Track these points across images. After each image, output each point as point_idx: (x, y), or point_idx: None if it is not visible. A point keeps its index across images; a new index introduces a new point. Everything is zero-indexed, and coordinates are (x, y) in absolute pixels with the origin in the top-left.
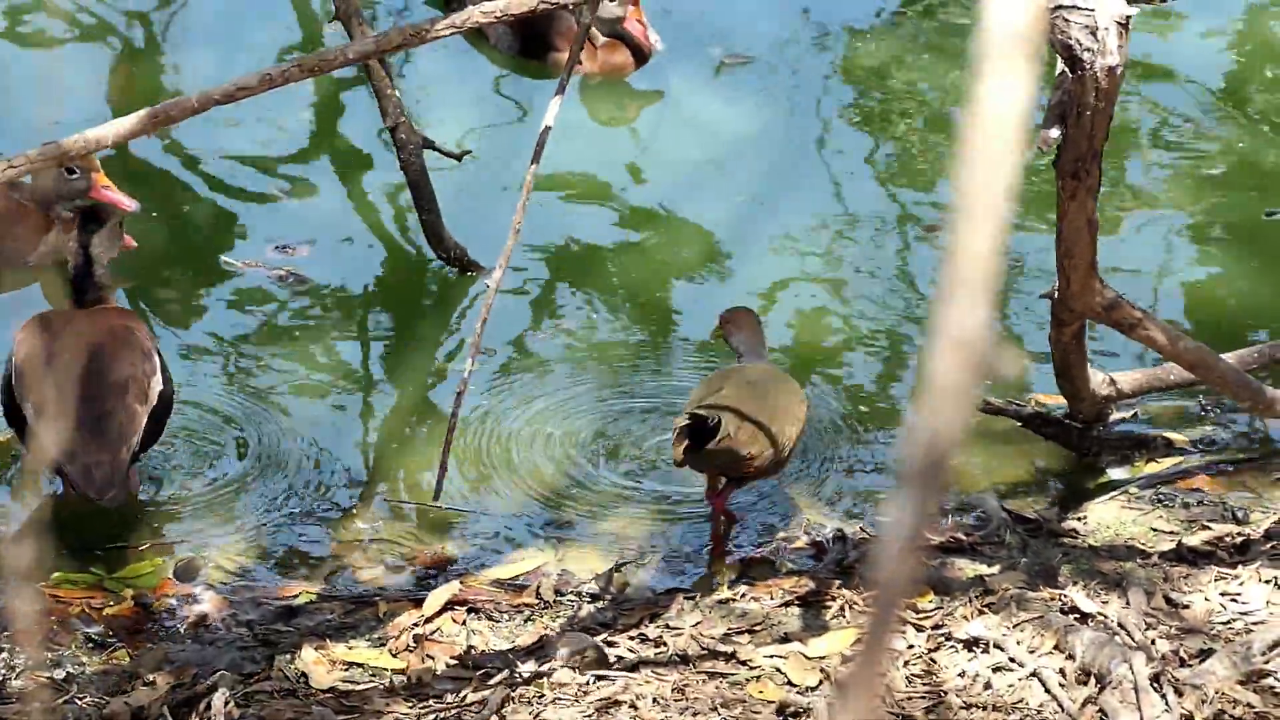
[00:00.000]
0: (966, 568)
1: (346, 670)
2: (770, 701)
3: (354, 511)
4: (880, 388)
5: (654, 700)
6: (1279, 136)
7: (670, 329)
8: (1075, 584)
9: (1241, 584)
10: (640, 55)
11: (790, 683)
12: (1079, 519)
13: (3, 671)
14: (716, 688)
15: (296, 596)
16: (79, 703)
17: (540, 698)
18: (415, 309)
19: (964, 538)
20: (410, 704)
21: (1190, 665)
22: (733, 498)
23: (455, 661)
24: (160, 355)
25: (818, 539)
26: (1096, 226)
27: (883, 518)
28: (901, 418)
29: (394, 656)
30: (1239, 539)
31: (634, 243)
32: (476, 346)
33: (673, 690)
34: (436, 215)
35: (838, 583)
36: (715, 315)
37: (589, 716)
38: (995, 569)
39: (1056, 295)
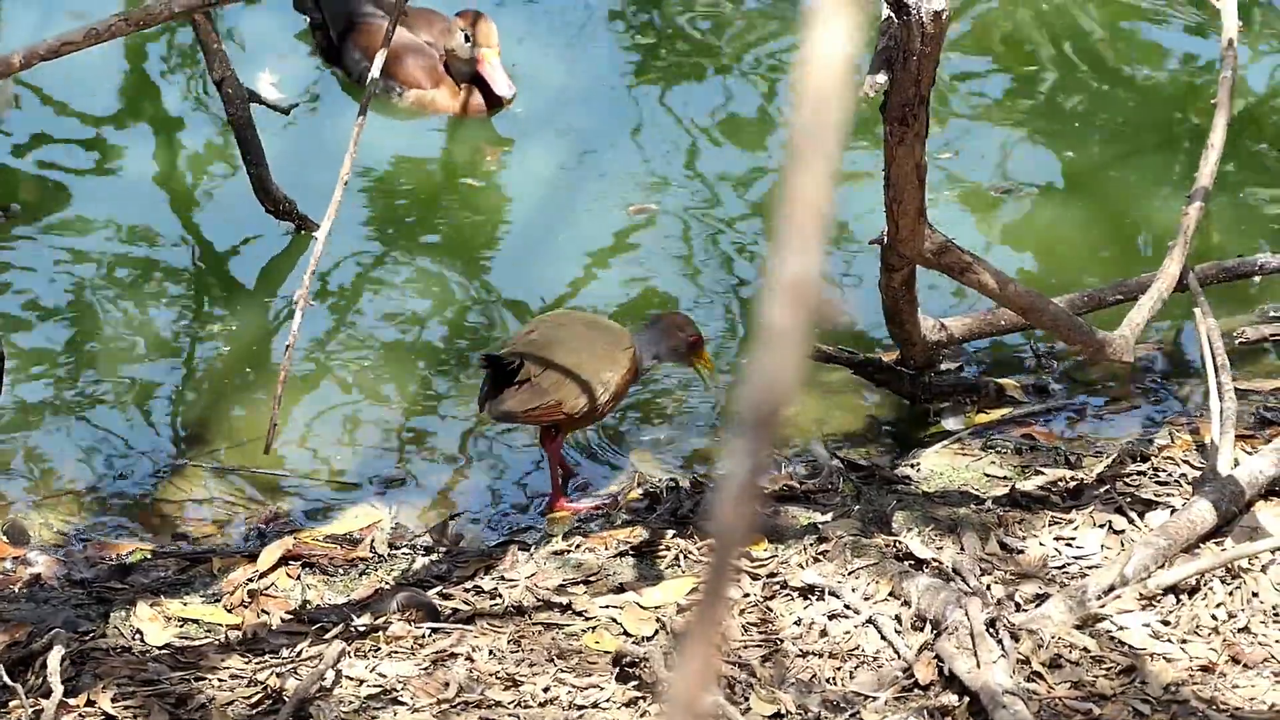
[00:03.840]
0: (800, 516)
1: (182, 626)
2: (606, 652)
3: (185, 469)
4: (714, 337)
5: (490, 652)
6: (1105, 80)
7: (503, 283)
8: (909, 530)
9: (1075, 528)
10: (495, 100)
11: (626, 633)
12: (912, 465)
13: None
14: (553, 639)
15: (130, 554)
16: None
17: (376, 651)
18: (243, 264)
19: (798, 486)
20: (246, 658)
21: (1026, 610)
22: (565, 448)
23: (290, 616)
24: None
25: (652, 489)
26: (925, 171)
27: (717, 467)
28: (735, 366)
29: (229, 612)
30: (1072, 484)
31: (466, 197)
32: (305, 300)
33: (508, 642)
34: (264, 168)
35: (672, 533)
36: (546, 270)
37: (425, 669)
38: (829, 516)
39: (885, 241)
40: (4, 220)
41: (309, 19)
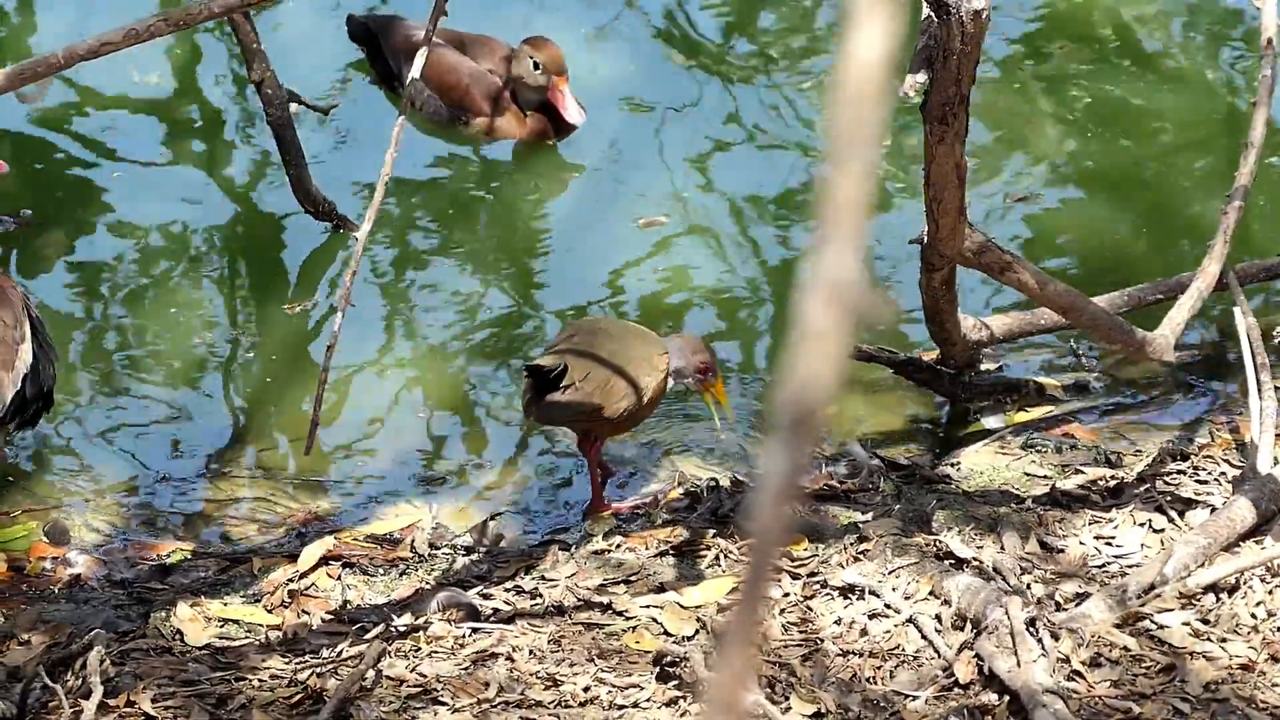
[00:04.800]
0: (841, 515)
1: (222, 626)
2: (647, 651)
3: (226, 470)
4: (751, 337)
5: (530, 652)
6: (1143, 79)
7: (542, 283)
8: (950, 530)
9: (1115, 527)
10: (563, 125)
11: (667, 632)
12: (952, 465)
13: None
14: (593, 638)
15: (170, 554)
16: None
17: (416, 651)
18: (283, 265)
19: (838, 485)
20: (286, 659)
21: (1066, 609)
22: (605, 449)
23: (330, 616)
24: (40, 325)
25: (692, 489)
26: (965, 171)
27: (757, 467)
28: (774, 366)
29: (269, 612)
30: (1112, 483)
31: (504, 197)
32: (346, 300)
33: (549, 642)
34: (304, 169)
35: (712, 532)
36: (586, 273)
37: (465, 669)
38: (869, 516)
39: (926, 240)
40: (17, 226)
41: (363, 49)
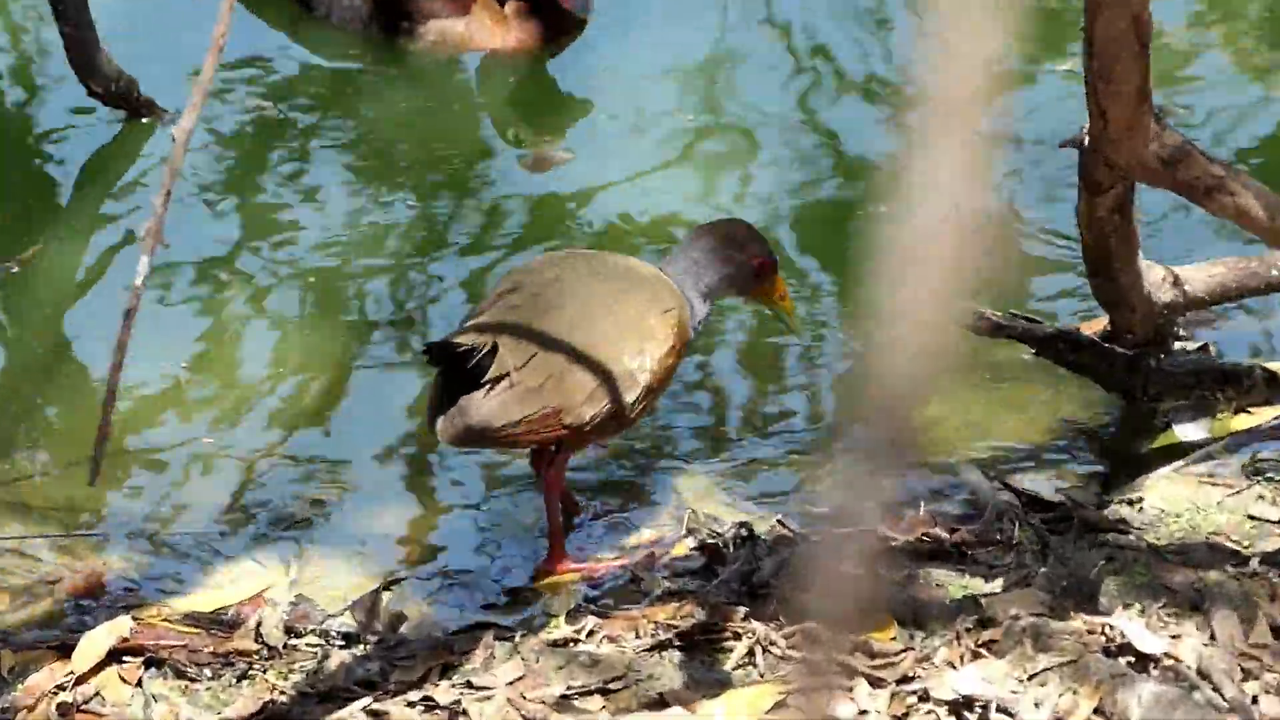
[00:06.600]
0: (952, 583)
1: None
2: None
3: None
4: (809, 308)
5: None
6: None
7: (466, 209)
8: (1128, 607)
9: None
10: (558, 26)
11: None
12: (1131, 502)
13: None
14: None
15: None
16: None
17: None
18: (55, 175)
19: (946, 535)
20: None
21: None
22: (566, 470)
23: None
24: None
25: (710, 538)
26: (1149, 31)
27: (816, 505)
28: (843, 350)
29: None
30: None
31: (409, 94)
32: (156, 235)
33: None
34: (89, 30)
35: (743, 611)
36: (536, 200)
37: None
38: (997, 585)
39: (1087, 143)
40: None
41: None
